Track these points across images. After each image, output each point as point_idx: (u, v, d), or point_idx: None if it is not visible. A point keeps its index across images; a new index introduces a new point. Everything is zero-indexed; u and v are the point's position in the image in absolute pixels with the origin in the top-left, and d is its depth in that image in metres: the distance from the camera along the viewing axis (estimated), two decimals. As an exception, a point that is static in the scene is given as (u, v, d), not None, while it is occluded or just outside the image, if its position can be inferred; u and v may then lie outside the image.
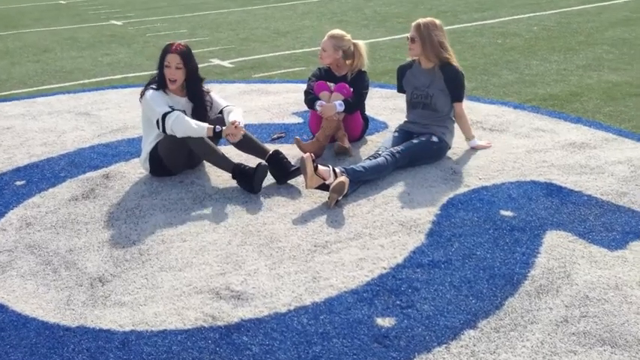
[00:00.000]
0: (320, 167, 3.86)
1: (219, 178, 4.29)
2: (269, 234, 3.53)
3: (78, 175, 4.51)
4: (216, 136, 4.09)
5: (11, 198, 4.16)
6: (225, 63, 8.33)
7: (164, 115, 4.02)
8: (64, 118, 5.98)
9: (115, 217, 3.84)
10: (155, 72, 4.28)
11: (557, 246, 3.25)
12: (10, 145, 5.22)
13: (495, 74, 6.93)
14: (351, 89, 4.64)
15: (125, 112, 6.03)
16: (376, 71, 7.40)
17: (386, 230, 3.50)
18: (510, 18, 10.65)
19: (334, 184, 3.77)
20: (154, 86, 4.20)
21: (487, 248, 3.26)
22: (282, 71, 7.67)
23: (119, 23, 12.83)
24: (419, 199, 3.87)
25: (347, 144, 4.57)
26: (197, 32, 11.12)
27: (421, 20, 4.37)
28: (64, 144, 5.19)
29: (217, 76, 7.50)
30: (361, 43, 4.75)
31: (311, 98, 4.65)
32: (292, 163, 4.20)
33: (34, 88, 7.38)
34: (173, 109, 4.06)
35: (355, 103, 4.63)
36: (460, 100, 4.48)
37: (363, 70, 4.76)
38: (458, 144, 4.64)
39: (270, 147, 4.33)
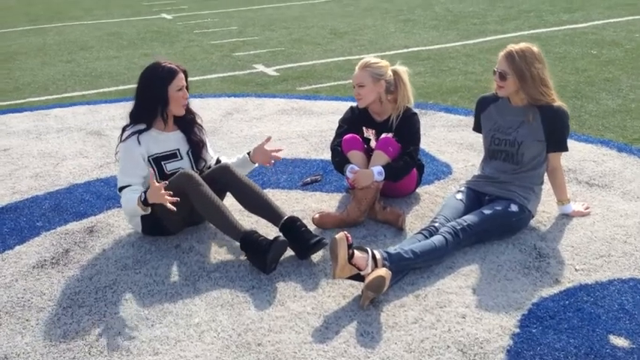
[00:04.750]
0: (356, 254, 2.78)
1: (226, 246, 3.30)
2: (272, 351, 2.51)
3: (57, 225, 3.63)
4: (145, 204, 3.13)
5: (-35, 259, 3.31)
6: (270, 70, 7.34)
7: (120, 189, 3.28)
8: (71, 138, 5.15)
9: (80, 301, 2.91)
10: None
11: None
12: (-3, 175, 4.42)
13: (592, 98, 5.63)
14: (399, 143, 3.48)
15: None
16: (442, 88, 6.25)
17: (438, 360, 2.42)
18: (605, 21, 9.16)
19: (370, 278, 2.70)
20: (136, 128, 3.30)
21: (593, 415, 2.13)
22: (332, 84, 6.60)
23: (169, 17, 12.07)
24: (488, 301, 2.76)
25: (396, 218, 3.39)
26: (247, 30, 10.18)
27: (514, 48, 3.16)
28: (57, 176, 4.34)
29: (258, 88, 6.52)
30: (402, 69, 3.54)
31: (339, 160, 3.52)
32: (313, 233, 3.16)
33: (54, 96, 6.62)
34: (131, 185, 3.25)
35: (402, 169, 3.46)
36: (562, 149, 3.30)
37: (411, 109, 3.57)
38: (544, 207, 3.48)
39: (296, 203, 3.30)
